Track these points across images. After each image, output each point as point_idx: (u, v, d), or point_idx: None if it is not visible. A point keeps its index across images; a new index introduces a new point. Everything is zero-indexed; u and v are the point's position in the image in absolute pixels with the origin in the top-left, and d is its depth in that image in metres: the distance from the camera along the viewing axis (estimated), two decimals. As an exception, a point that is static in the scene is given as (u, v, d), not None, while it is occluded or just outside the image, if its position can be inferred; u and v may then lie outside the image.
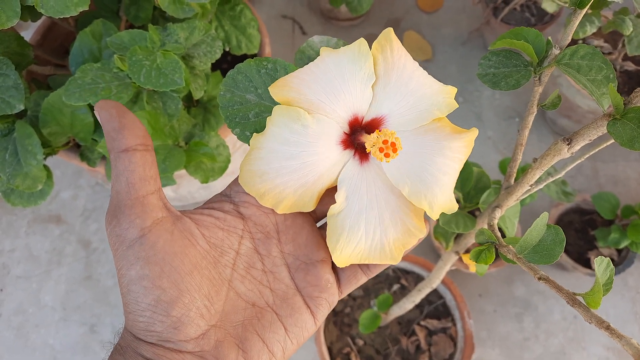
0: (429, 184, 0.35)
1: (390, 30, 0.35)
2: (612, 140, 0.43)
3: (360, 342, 0.93)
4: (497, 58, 0.43)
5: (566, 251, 1.08)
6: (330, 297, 0.35)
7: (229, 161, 0.73)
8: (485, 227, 0.55)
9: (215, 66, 0.90)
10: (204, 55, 0.66)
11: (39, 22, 0.89)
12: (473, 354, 0.88)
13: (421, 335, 0.92)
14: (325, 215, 0.36)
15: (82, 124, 0.68)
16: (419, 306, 0.95)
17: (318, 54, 0.41)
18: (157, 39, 0.61)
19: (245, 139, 0.37)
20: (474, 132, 0.37)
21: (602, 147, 0.44)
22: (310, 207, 0.34)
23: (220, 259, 0.32)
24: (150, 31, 0.61)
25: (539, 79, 0.44)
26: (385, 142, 0.32)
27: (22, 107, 0.59)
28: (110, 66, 0.62)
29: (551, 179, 0.49)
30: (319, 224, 0.39)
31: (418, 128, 0.36)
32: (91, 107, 0.67)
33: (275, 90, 0.33)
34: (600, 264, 0.32)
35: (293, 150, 0.33)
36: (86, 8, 0.56)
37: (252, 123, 0.37)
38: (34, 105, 0.69)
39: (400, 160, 0.35)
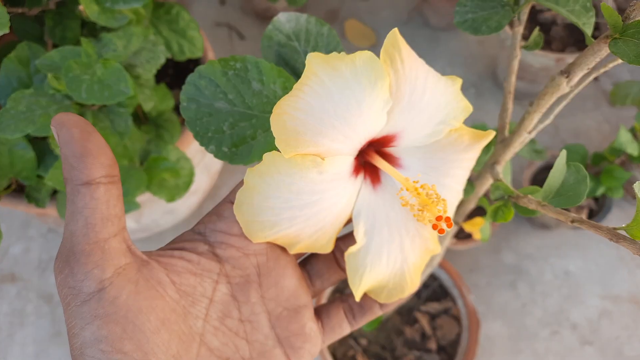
0: (445, 196, 0.34)
1: (395, 33, 0.28)
2: (573, 95, 0.41)
3: (364, 342, 0.88)
4: (473, 2, 0.40)
5: (546, 210, 1.07)
6: (313, 347, 0.31)
7: (192, 174, 0.67)
8: (488, 186, 0.51)
9: (158, 79, 0.84)
10: (147, 62, 0.60)
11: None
12: (479, 329, 0.85)
13: (424, 321, 0.89)
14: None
15: (23, 161, 0.61)
16: (415, 292, 0.92)
17: (288, 38, 0.35)
18: (93, 52, 0.55)
19: (224, 156, 0.31)
20: (490, 135, 0.35)
21: (566, 102, 0.41)
22: (328, 248, 0.31)
23: (191, 310, 0.27)
24: (83, 44, 0.55)
25: (518, 17, 0.42)
26: (439, 218, 0.29)
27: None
28: (45, 89, 0.55)
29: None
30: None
31: (435, 142, 0.33)
32: (31, 138, 0.60)
33: (289, 149, 0.26)
34: (641, 188, 0.29)
35: (308, 199, 0.28)
36: (7, 31, 0.49)
37: (228, 136, 0.31)
38: (-37, 151, 0.61)
39: (419, 177, 0.33)
